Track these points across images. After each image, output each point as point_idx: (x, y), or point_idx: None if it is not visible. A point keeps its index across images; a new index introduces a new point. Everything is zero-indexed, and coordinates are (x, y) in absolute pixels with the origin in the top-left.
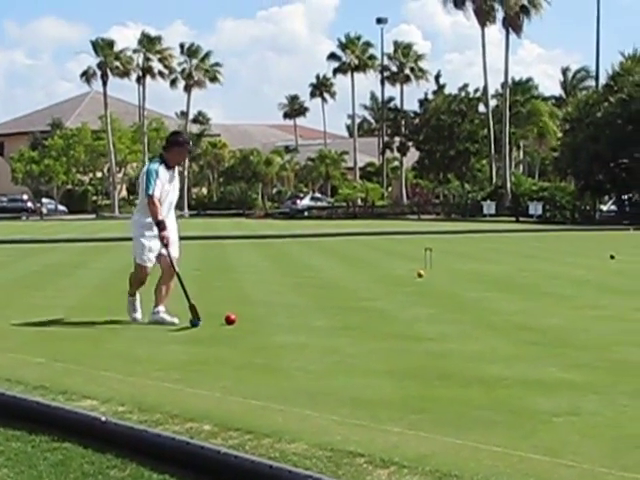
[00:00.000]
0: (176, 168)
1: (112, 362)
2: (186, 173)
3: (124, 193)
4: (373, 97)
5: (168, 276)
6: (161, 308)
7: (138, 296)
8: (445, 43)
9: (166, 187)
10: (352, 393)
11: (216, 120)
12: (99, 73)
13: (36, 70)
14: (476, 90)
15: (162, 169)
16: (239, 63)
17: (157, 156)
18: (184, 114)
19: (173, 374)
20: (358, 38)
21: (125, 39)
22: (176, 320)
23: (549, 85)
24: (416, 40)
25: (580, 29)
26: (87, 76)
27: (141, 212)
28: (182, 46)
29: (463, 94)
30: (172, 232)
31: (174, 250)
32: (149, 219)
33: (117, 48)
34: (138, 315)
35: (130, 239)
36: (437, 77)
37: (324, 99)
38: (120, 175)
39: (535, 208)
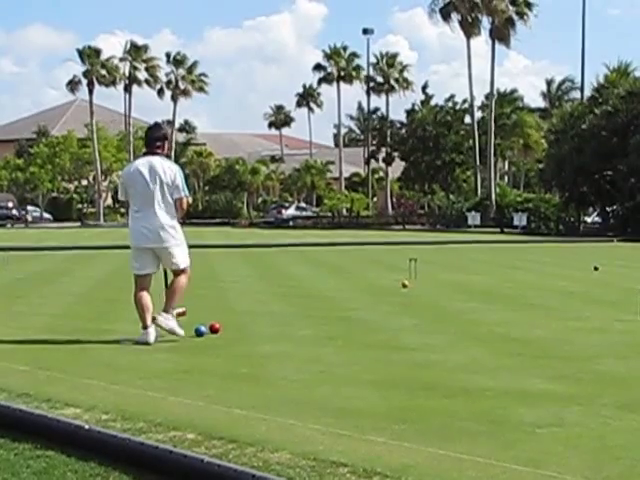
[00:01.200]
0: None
1: (96, 370)
2: None
3: (109, 201)
4: (360, 107)
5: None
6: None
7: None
8: (432, 54)
9: None
10: (336, 403)
11: (202, 129)
12: (85, 81)
13: (23, 78)
14: (464, 101)
15: None
16: (226, 72)
17: (166, 155)
18: (170, 123)
19: (157, 382)
20: (344, 48)
21: (112, 47)
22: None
23: (535, 97)
24: (403, 51)
25: (567, 41)
26: (72, 85)
27: (173, 214)
28: (168, 55)
29: (449, 105)
30: None
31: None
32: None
33: (104, 56)
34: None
35: (119, 247)
36: (424, 88)
37: (310, 109)
38: (105, 183)
39: (520, 219)
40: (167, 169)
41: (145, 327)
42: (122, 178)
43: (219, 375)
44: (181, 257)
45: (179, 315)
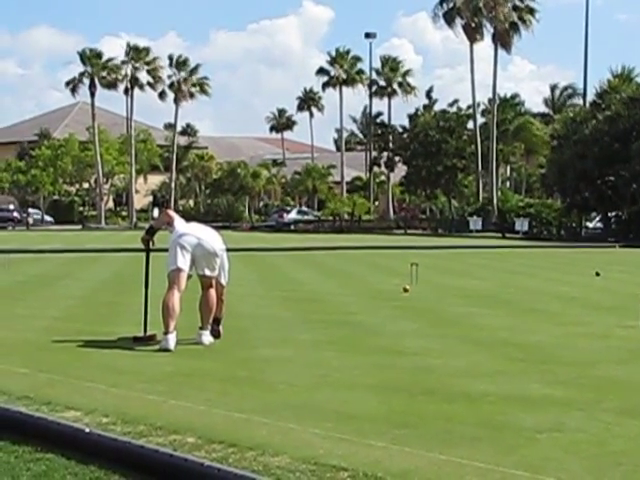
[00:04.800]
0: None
1: (96, 373)
2: (173, 185)
3: (110, 204)
4: (364, 111)
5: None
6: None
7: None
8: (436, 58)
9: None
10: (336, 407)
11: (205, 132)
12: (87, 84)
13: (27, 80)
14: (469, 107)
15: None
16: (230, 75)
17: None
18: (172, 126)
19: (157, 386)
20: (347, 52)
21: (117, 49)
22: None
23: (540, 102)
24: (408, 55)
25: (573, 46)
26: (73, 85)
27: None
28: (171, 58)
29: (453, 110)
30: None
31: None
32: None
33: (106, 58)
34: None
35: (121, 250)
36: (428, 92)
37: (311, 113)
38: (107, 186)
39: (521, 224)
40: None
41: (166, 332)
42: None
43: (219, 379)
44: (226, 271)
45: (150, 339)
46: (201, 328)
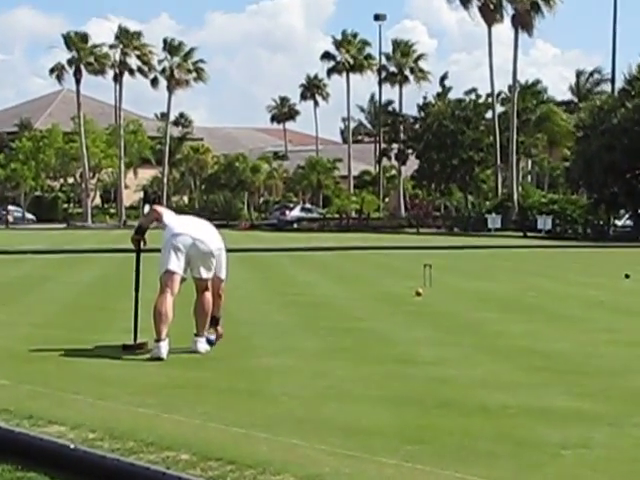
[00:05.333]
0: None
1: (82, 384)
2: (165, 180)
3: (97, 201)
4: (372, 99)
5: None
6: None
7: None
8: (452, 42)
9: None
10: (343, 421)
11: (200, 123)
12: (72, 70)
13: (7, 65)
14: (487, 95)
15: None
16: (228, 61)
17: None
18: (165, 116)
19: (148, 398)
20: (354, 36)
21: (105, 33)
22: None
23: (564, 89)
24: (421, 38)
25: (600, 28)
26: (57, 72)
27: None
28: (164, 42)
29: (470, 98)
30: None
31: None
32: None
33: (93, 42)
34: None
35: (108, 251)
36: (442, 79)
37: (316, 102)
38: (93, 181)
39: (544, 222)
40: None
41: (158, 340)
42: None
43: (216, 390)
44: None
45: (140, 347)
46: (196, 335)
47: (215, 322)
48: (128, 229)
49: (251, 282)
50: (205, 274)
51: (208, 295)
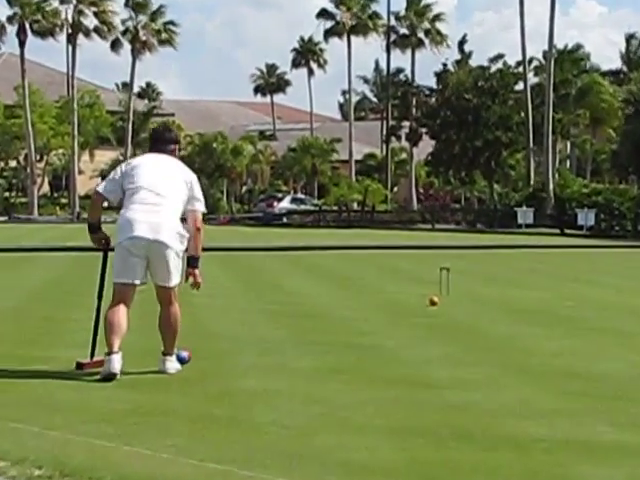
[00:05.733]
0: None
1: (26, 411)
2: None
3: (45, 189)
4: (378, 68)
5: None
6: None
7: None
8: None
9: None
10: (342, 455)
11: (170, 95)
12: (14, 29)
13: None
14: (519, 63)
15: None
16: (205, 20)
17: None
18: (127, 86)
19: (106, 428)
20: None
21: None
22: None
23: (612, 56)
24: None
25: None
26: None
27: (180, 224)
28: None
29: (496, 67)
30: None
31: None
32: None
33: None
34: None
35: (59, 250)
36: (461, 43)
37: (310, 70)
38: (41, 165)
39: (585, 217)
40: (184, 169)
41: (110, 352)
42: (122, 171)
43: (189, 418)
44: (176, 272)
45: (97, 365)
46: (164, 353)
47: (194, 264)
48: (82, 223)
49: (232, 288)
50: (168, 281)
51: (174, 308)
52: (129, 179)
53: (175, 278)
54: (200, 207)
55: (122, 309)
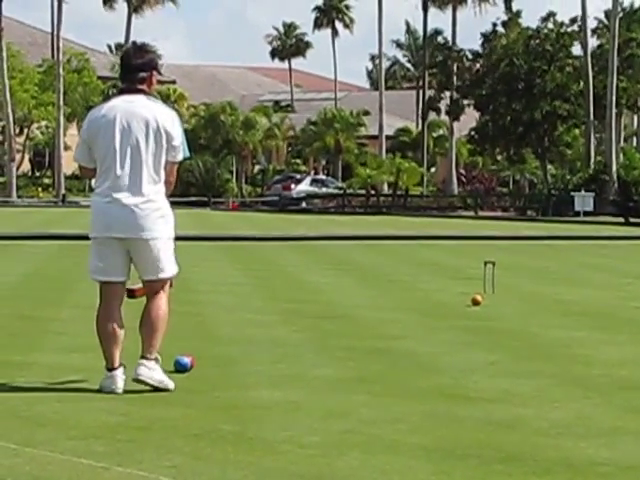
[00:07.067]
0: None
1: (4, 425)
2: None
3: (26, 167)
4: (411, 31)
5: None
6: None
7: None
8: None
9: None
10: (369, 478)
11: (172, 59)
12: None
13: None
14: (573, 20)
15: None
16: None
17: (150, 93)
18: (121, 48)
19: (96, 445)
20: None
21: None
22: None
23: None
24: None
25: None
26: None
27: (162, 190)
28: None
29: (549, 27)
30: None
31: None
32: None
33: None
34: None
35: (42, 237)
36: (508, 0)
37: (335, 31)
38: (21, 140)
39: None
40: (159, 115)
41: (111, 368)
42: (85, 129)
43: (192, 434)
44: (168, 260)
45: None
46: (143, 357)
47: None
48: (69, 207)
49: (242, 284)
50: (155, 274)
51: (161, 301)
52: (95, 145)
53: (168, 268)
54: (179, 157)
55: (113, 312)
